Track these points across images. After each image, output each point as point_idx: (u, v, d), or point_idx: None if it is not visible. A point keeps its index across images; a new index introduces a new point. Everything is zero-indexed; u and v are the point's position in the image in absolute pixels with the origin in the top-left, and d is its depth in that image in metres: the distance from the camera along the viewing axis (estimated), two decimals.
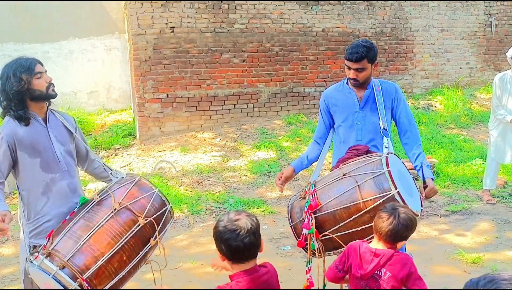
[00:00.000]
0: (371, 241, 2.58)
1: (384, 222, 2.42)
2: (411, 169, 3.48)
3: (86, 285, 2.49)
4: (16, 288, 4.36)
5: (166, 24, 8.35)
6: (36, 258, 2.56)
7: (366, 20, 9.64)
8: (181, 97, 8.51)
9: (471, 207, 6.04)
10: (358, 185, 2.79)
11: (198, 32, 8.54)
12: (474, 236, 5.19)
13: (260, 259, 4.39)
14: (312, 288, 2.93)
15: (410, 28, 10.07)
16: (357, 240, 2.68)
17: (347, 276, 2.59)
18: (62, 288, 2.46)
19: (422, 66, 10.29)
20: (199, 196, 6.42)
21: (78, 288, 2.48)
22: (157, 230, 2.73)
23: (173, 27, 8.39)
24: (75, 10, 10.28)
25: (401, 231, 2.41)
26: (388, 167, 2.79)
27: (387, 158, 2.85)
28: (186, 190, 6.65)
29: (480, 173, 6.92)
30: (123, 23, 10.50)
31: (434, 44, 10.34)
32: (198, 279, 4.33)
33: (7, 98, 2.76)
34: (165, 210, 2.83)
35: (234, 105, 8.86)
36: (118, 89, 10.78)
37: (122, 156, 7.96)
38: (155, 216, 2.73)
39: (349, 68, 3.30)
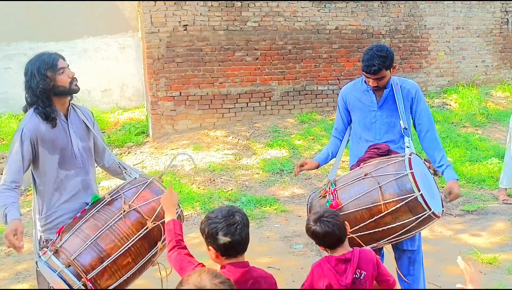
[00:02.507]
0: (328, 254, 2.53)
1: (323, 235, 2.43)
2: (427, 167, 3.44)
3: (90, 285, 2.50)
4: (24, 288, 4.39)
5: (179, 22, 8.36)
6: (44, 253, 2.58)
7: (380, 17, 9.56)
8: (194, 95, 8.52)
9: (486, 206, 5.96)
10: (379, 186, 2.77)
11: (211, 30, 8.54)
12: (490, 236, 5.12)
13: (272, 257, 4.38)
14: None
15: (424, 25, 9.96)
16: (376, 240, 2.67)
17: None
18: (67, 286, 2.47)
19: (437, 64, 10.18)
20: (211, 194, 6.42)
21: (82, 287, 2.48)
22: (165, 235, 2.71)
23: (186, 25, 8.40)
24: (89, 9, 10.35)
25: (335, 231, 2.43)
26: (411, 169, 2.76)
27: (409, 159, 2.82)
28: (199, 188, 6.65)
29: (496, 173, 6.82)
30: (137, 22, 10.54)
31: (449, 41, 10.22)
32: None
33: (33, 95, 2.75)
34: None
35: (247, 103, 8.84)
36: (131, 87, 10.83)
37: (135, 153, 7.99)
38: (163, 220, 2.68)
39: (368, 78, 3.26)
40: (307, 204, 3.13)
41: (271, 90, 8.97)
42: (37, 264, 2.69)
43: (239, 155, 7.68)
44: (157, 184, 2.85)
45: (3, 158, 7.76)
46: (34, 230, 2.93)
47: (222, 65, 8.63)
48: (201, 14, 8.46)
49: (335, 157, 3.59)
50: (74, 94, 2.88)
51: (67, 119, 2.86)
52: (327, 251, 2.53)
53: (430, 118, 3.39)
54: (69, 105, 2.89)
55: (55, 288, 2.64)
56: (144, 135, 8.83)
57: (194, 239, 5.21)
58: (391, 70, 3.25)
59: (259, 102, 8.91)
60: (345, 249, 2.47)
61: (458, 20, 10.24)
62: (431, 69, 10.14)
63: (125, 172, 3.05)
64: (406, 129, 3.32)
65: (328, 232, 2.42)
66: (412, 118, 3.42)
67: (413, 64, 9.95)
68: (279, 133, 8.43)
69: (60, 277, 2.47)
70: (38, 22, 10.20)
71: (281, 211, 5.96)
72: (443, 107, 9.57)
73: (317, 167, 3.50)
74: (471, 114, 9.27)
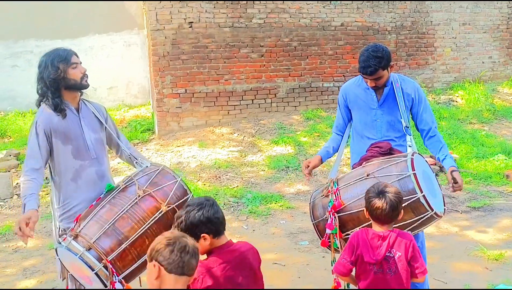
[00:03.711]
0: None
1: (378, 207, 2.50)
2: (433, 164, 3.44)
3: (111, 266, 2.58)
4: (30, 289, 4.42)
5: (185, 19, 8.37)
6: (64, 239, 2.66)
7: (386, 14, 9.53)
8: (199, 92, 8.53)
9: (493, 203, 5.93)
10: None
11: (217, 27, 8.54)
12: (496, 232, 5.10)
13: (278, 254, 4.40)
14: (339, 288, 2.92)
15: (431, 21, 9.92)
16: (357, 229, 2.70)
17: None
18: (89, 269, 2.55)
19: (443, 60, 10.14)
20: (217, 190, 6.44)
21: (103, 269, 2.56)
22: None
23: (192, 22, 8.40)
24: (94, 7, 10.39)
25: (394, 210, 2.52)
26: (413, 169, 2.76)
27: (412, 160, 2.82)
28: (204, 184, 6.67)
29: (502, 169, 6.79)
30: (142, 19, 10.57)
31: (455, 38, 10.17)
32: None
33: (44, 86, 2.87)
34: (187, 198, 2.90)
35: (252, 100, 8.85)
36: (137, 85, 10.87)
37: (141, 151, 8.02)
38: (177, 203, 2.81)
39: (365, 78, 3.26)
40: (310, 203, 3.14)
41: (276, 87, 8.97)
42: (56, 253, 2.77)
43: (245, 152, 7.69)
44: (168, 170, 2.98)
45: (10, 155, 7.81)
46: (52, 220, 3.03)
47: (228, 62, 8.64)
48: (206, 11, 8.47)
49: (337, 152, 3.59)
50: (84, 90, 2.99)
51: (78, 112, 2.96)
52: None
53: (432, 117, 3.38)
54: (80, 100, 3.01)
55: (74, 275, 2.74)
56: (150, 132, 8.86)
57: None
58: (389, 69, 3.24)
59: (264, 99, 8.91)
60: (388, 228, 2.56)
61: (465, 16, 10.19)
62: (437, 66, 10.10)
63: (136, 162, 3.16)
64: (408, 127, 3.31)
65: (384, 208, 2.50)
66: (413, 119, 3.42)
67: (419, 60, 9.91)
68: (284, 130, 8.43)
69: (82, 260, 2.55)
70: (44, 20, 10.25)
71: (287, 207, 5.97)
72: (450, 104, 9.54)
73: (321, 162, 3.51)
74: (477, 110, 9.22)
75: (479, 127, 8.72)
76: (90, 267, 2.55)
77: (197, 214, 2.33)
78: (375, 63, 3.13)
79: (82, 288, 2.87)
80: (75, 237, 2.62)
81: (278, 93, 8.98)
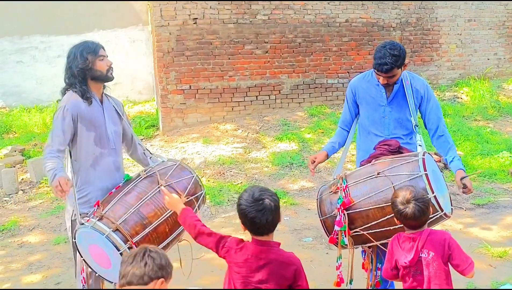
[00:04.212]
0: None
1: (410, 216, 2.49)
2: (437, 161, 3.42)
3: (135, 248, 2.63)
4: (35, 288, 4.45)
5: (189, 15, 8.37)
6: (88, 221, 2.73)
7: (391, 10, 9.49)
8: (204, 88, 8.54)
9: (497, 200, 5.92)
10: (393, 186, 2.77)
11: (221, 23, 8.54)
12: (500, 230, 5.09)
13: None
14: (342, 284, 2.93)
15: (436, 18, 9.88)
16: (386, 237, 2.72)
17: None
18: (115, 249, 2.63)
19: (448, 57, 10.10)
20: (221, 187, 6.45)
21: (128, 251, 2.62)
22: (198, 203, 3.03)
23: (196, 18, 8.40)
24: (99, 3, 10.39)
25: (424, 214, 2.51)
26: (425, 170, 2.75)
27: (423, 160, 2.81)
28: (209, 181, 6.69)
29: (507, 166, 6.77)
30: (147, 15, 10.57)
31: (460, 34, 10.13)
32: (220, 269, 4.36)
33: (72, 75, 2.99)
34: (201, 194, 3.07)
35: (256, 96, 8.85)
36: (141, 81, 10.88)
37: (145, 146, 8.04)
38: (193, 197, 2.98)
39: (378, 75, 3.23)
40: (317, 199, 3.13)
41: (280, 83, 8.96)
42: (74, 237, 2.82)
43: (249, 149, 7.70)
44: (185, 166, 3.14)
45: (15, 151, 7.85)
46: (67, 205, 3.10)
47: (232, 58, 8.64)
48: (210, 8, 8.46)
49: (342, 146, 3.58)
50: (108, 82, 3.13)
51: (102, 103, 3.09)
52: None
53: (440, 116, 3.36)
54: (103, 92, 3.15)
55: (86, 261, 2.81)
56: (154, 129, 8.88)
57: None
58: (402, 68, 3.22)
59: (268, 95, 8.91)
60: (420, 229, 2.56)
61: (470, 13, 10.13)
62: (442, 62, 10.06)
63: (150, 157, 3.31)
64: (417, 126, 3.29)
65: (415, 215, 2.49)
66: (421, 117, 3.40)
67: (424, 57, 9.88)
68: (288, 126, 8.43)
69: (108, 240, 2.63)
70: (50, 16, 10.27)
71: (291, 204, 5.98)
72: (454, 101, 9.50)
73: (327, 157, 3.50)
74: (482, 107, 9.19)
75: (484, 124, 8.69)
76: (116, 247, 2.62)
77: (241, 205, 2.36)
78: (392, 61, 3.11)
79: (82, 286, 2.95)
80: (100, 219, 2.70)
81: (282, 89, 8.98)
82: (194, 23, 8.40)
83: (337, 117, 8.64)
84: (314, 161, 3.44)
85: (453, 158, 3.23)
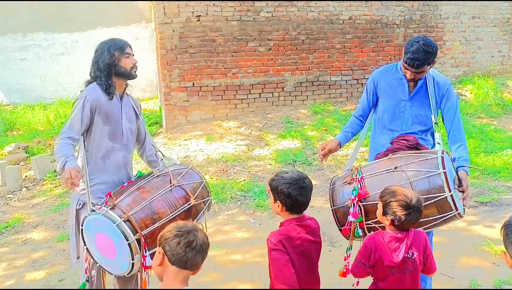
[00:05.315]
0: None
1: (412, 223, 2.50)
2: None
3: (143, 240, 2.70)
4: (40, 289, 4.46)
5: (192, 13, 8.36)
6: (100, 208, 2.77)
7: (395, 7, 9.46)
8: (207, 86, 8.54)
9: (501, 198, 5.90)
10: (410, 182, 2.76)
11: (224, 20, 8.53)
12: None
13: None
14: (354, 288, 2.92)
15: (440, 15, 9.84)
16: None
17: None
18: (124, 238, 2.66)
19: (452, 54, 10.07)
20: (224, 184, 6.45)
21: (136, 242, 2.68)
22: (204, 208, 3.12)
23: (199, 15, 8.40)
24: (103, 0, 10.39)
25: (417, 217, 2.52)
26: (444, 168, 2.74)
27: (442, 158, 2.80)
28: (212, 178, 6.69)
29: (511, 164, 6.75)
30: (150, 13, 10.57)
31: (465, 31, 10.09)
32: (223, 266, 4.37)
33: (98, 69, 3.08)
34: (208, 200, 3.16)
35: (260, 94, 8.84)
36: (145, 78, 10.89)
37: None
38: (202, 201, 3.07)
39: (407, 69, 3.18)
40: (330, 189, 3.10)
41: (284, 80, 8.95)
42: (82, 224, 2.85)
43: (252, 146, 7.70)
44: (195, 171, 3.23)
45: (19, 148, 7.87)
46: (73, 195, 3.14)
47: (235, 55, 8.63)
48: (214, 5, 8.45)
49: (355, 136, 3.54)
50: (132, 79, 3.20)
51: (121, 100, 3.16)
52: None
53: (459, 116, 3.32)
54: (124, 90, 3.22)
55: (90, 251, 2.84)
56: (158, 126, 8.89)
57: (208, 229, 5.25)
58: (431, 64, 3.20)
59: (272, 92, 8.90)
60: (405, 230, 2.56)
61: (474, 10, 10.09)
62: (446, 60, 10.03)
63: (161, 159, 3.36)
64: (437, 124, 3.27)
65: (416, 220, 2.52)
66: (440, 114, 3.36)
67: None
68: (292, 124, 8.42)
69: (119, 228, 2.67)
70: (53, 13, 10.28)
71: None
72: (458, 98, 9.45)
73: (339, 146, 3.45)
74: (486, 104, 9.16)
75: (488, 121, 8.66)
76: (125, 237, 2.66)
77: (284, 185, 2.49)
78: (425, 57, 3.08)
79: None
80: (112, 208, 2.75)
81: (285, 87, 8.97)
82: (197, 21, 8.40)
83: (340, 115, 8.62)
84: (324, 148, 3.39)
85: (459, 157, 3.21)
